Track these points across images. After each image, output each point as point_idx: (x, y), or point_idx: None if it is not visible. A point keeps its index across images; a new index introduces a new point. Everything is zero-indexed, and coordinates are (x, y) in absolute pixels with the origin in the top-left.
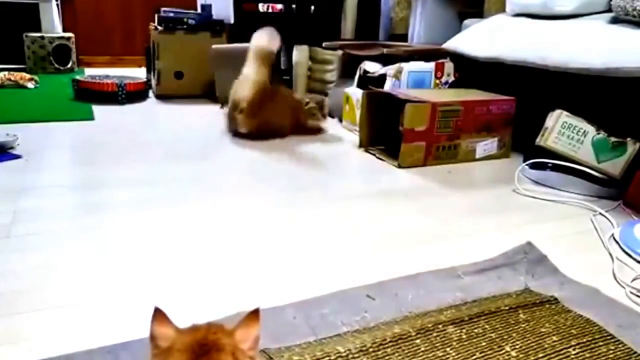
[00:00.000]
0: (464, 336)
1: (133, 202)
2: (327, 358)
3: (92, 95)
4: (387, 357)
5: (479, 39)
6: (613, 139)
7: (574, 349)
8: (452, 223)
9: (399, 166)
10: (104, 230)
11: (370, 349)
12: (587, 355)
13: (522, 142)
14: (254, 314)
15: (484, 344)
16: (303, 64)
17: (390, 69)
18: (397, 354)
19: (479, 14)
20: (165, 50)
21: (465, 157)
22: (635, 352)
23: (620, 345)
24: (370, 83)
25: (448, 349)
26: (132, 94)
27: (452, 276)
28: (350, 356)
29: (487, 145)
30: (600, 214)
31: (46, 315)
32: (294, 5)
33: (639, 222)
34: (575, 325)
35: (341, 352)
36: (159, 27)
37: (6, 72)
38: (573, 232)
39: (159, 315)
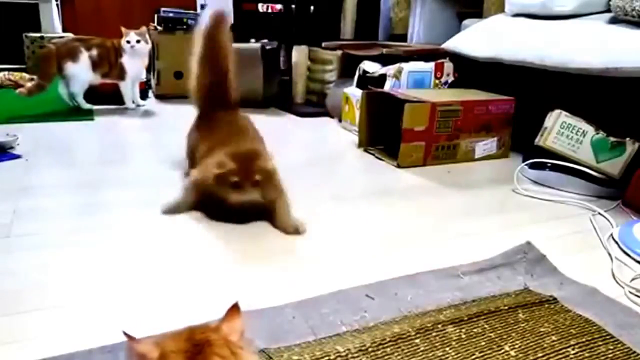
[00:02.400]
0: (464, 336)
1: (133, 202)
2: (327, 358)
3: (92, 96)
4: (386, 357)
5: (478, 39)
6: (612, 138)
7: (573, 349)
8: (451, 223)
9: (398, 166)
10: (103, 230)
11: (370, 349)
12: (586, 354)
13: (522, 142)
14: (234, 308)
15: (483, 343)
16: (302, 64)
17: (390, 69)
18: (396, 354)
19: (478, 14)
20: (165, 50)
21: (464, 157)
22: (634, 352)
23: (619, 345)
24: (369, 83)
25: (447, 349)
26: None
27: (452, 276)
28: (350, 356)
29: (486, 145)
30: (599, 213)
31: (46, 315)
32: (293, 6)
33: (638, 222)
34: (575, 324)
35: (340, 352)
36: (159, 27)
37: (6, 72)
38: (572, 231)
39: (130, 338)
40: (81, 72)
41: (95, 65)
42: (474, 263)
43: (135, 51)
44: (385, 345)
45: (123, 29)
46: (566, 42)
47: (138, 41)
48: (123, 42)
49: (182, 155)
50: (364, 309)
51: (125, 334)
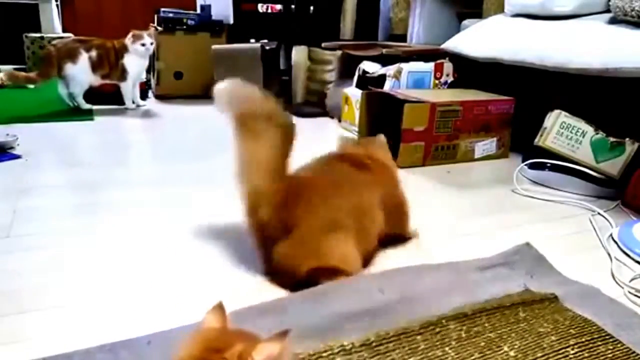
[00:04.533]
0: (464, 335)
1: (133, 202)
2: (330, 351)
3: (92, 96)
4: (387, 353)
5: (477, 39)
6: (612, 139)
7: (572, 349)
8: (450, 223)
9: (398, 166)
10: (103, 230)
11: (374, 343)
12: (586, 354)
13: (521, 142)
14: (282, 334)
15: (482, 343)
16: (302, 64)
17: (389, 69)
18: (397, 350)
19: (478, 14)
20: (165, 50)
21: (464, 157)
22: (634, 352)
23: (618, 345)
24: (369, 83)
25: (447, 349)
26: None
27: (451, 275)
28: (354, 350)
29: (486, 146)
30: (599, 213)
31: (46, 314)
32: (292, 6)
33: (638, 222)
34: (574, 325)
35: (345, 346)
36: (159, 28)
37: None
38: (572, 232)
39: (217, 307)
40: (80, 73)
41: (95, 66)
42: (473, 262)
43: (146, 53)
44: (389, 340)
45: (136, 32)
46: (566, 43)
47: (151, 43)
48: (137, 44)
49: (182, 153)
50: (367, 306)
51: (220, 302)
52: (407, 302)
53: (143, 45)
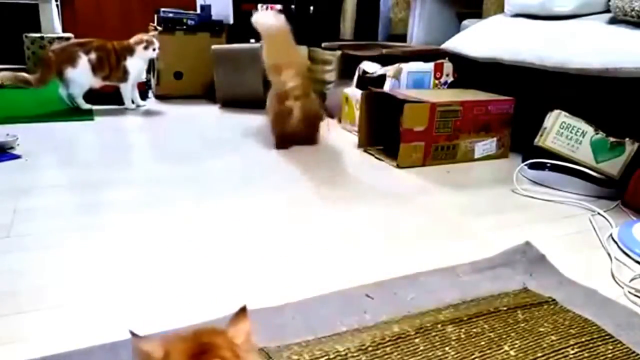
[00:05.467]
0: (463, 336)
1: (132, 202)
2: (326, 357)
3: (92, 96)
4: (386, 356)
5: (477, 39)
6: (611, 139)
7: (572, 349)
8: (450, 223)
9: (398, 166)
10: (103, 230)
11: (370, 348)
12: (586, 354)
13: (521, 142)
14: (242, 311)
15: (483, 343)
16: None
17: (389, 70)
18: (396, 353)
19: (478, 14)
20: (165, 50)
21: (464, 157)
22: (634, 352)
23: (618, 345)
24: (369, 83)
25: (447, 348)
26: None
27: (451, 276)
28: (349, 355)
29: (485, 146)
30: (599, 214)
31: (46, 314)
32: (293, 6)
33: (638, 222)
34: (574, 325)
35: (340, 351)
36: (159, 28)
37: (6, 72)
38: (571, 232)
39: (136, 337)
40: (81, 77)
41: (95, 68)
42: (473, 263)
43: (154, 56)
44: (385, 344)
45: (146, 37)
46: (566, 43)
47: (158, 46)
48: (149, 50)
49: (182, 154)
50: (364, 309)
51: (131, 332)
52: (399, 304)
53: (154, 50)
